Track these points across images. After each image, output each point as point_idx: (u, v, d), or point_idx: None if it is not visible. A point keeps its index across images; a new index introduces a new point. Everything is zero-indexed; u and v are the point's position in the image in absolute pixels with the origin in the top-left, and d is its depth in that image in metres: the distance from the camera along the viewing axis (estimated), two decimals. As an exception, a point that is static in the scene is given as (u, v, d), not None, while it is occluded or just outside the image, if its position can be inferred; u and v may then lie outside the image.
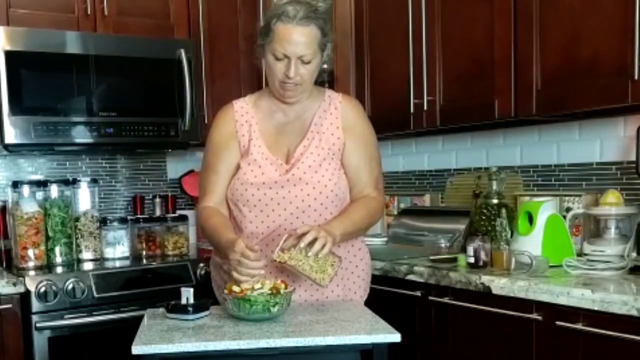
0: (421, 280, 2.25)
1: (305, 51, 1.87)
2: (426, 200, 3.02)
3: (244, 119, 2.03)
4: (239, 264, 1.72)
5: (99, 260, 2.80)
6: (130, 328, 1.79)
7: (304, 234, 1.77)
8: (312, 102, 2.05)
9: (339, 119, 2.03)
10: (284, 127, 2.04)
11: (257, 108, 2.05)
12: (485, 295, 2.02)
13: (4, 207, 2.81)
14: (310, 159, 1.97)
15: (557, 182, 2.52)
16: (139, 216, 3.06)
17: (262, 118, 2.04)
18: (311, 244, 1.76)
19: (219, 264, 2.11)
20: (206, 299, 1.88)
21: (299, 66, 1.89)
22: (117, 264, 2.74)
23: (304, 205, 1.95)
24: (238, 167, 2.00)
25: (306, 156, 1.97)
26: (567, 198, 2.38)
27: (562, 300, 1.81)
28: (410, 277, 2.29)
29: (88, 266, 2.69)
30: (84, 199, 2.85)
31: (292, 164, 1.97)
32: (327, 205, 1.97)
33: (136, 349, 1.56)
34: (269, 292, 1.72)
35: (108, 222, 2.87)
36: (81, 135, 2.69)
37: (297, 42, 1.85)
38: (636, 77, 1.86)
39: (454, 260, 2.32)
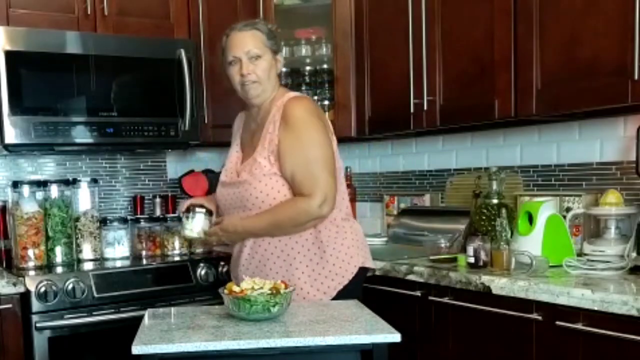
0: (421, 280, 2.25)
1: (250, 47, 2.06)
2: (426, 200, 3.02)
3: None
4: None
5: (99, 260, 2.80)
6: (130, 328, 1.79)
7: None
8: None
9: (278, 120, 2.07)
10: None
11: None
12: (485, 295, 2.02)
13: (4, 207, 2.80)
14: None
15: (557, 182, 2.52)
16: (139, 216, 3.05)
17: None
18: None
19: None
20: None
21: (249, 64, 2.06)
22: (117, 264, 2.74)
23: None
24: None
25: None
26: (567, 198, 2.38)
27: (562, 300, 1.81)
28: (410, 277, 2.29)
29: (88, 266, 2.69)
30: (84, 199, 2.84)
31: None
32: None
33: (136, 349, 1.56)
34: (269, 292, 1.72)
35: (108, 222, 2.86)
36: (81, 135, 2.69)
37: (242, 42, 2.07)
38: (636, 77, 1.87)
39: (454, 260, 2.32)
